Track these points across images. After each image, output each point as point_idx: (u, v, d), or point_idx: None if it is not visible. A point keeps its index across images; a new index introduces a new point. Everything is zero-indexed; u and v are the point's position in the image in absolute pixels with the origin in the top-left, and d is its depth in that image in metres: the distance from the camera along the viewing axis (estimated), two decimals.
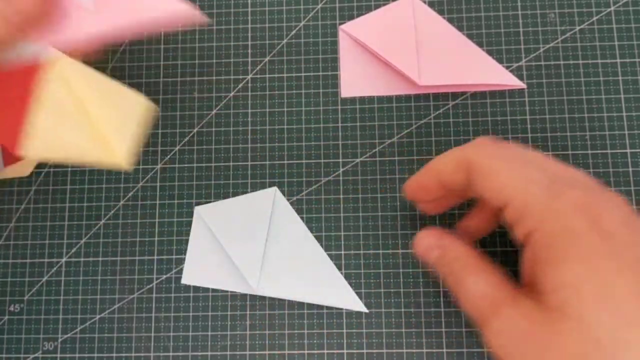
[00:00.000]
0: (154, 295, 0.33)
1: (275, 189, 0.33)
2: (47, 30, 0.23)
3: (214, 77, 0.35)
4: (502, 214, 0.23)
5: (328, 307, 0.32)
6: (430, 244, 0.26)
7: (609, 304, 0.19)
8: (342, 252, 0.32)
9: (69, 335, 0.32)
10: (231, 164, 0.34)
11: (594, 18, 0.34)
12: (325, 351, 0.31)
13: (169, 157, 0.34)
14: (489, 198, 0.23)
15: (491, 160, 0.23)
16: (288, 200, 0.33)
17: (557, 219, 0.20)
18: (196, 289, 0.32)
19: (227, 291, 0.32)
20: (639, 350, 0.18)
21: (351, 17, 0.35)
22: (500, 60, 0.34)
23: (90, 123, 0.25)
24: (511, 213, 0.22)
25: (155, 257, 0.33)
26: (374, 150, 0.33)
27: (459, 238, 0.26)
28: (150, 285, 0.33)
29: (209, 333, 0.32)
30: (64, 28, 0.24)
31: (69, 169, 0.34)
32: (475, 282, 0.23)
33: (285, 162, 0.33)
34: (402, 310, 0.31)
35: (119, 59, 0.35)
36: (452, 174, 0.25)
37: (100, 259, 0.33)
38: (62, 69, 0.25)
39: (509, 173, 0.22)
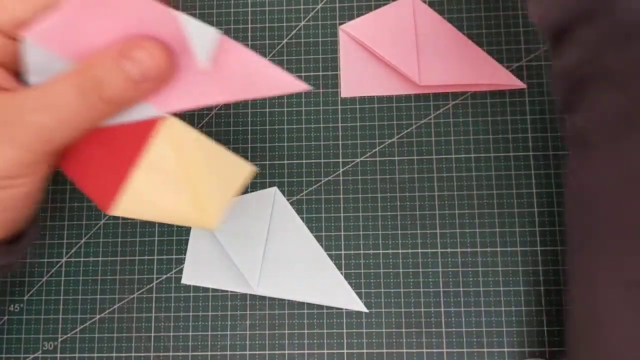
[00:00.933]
0: (154, 295, 0.33)
1: (275, 189, 0.33)
2: (162, 90, 0.23)
3: None
4: None
5: (328, 307, 0.32)
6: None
7: None
8: (342, 252, 0.32)
9: (69, 335, 0.32)
10: None
11: None
12: (325, 351, 0.31)
13: None
14: None
15: None
16: (288, 200, 0.33)
17: None
18: (196, 289, 0.32)
19: (227, 291, 0.32)
20: None
21: (351, 17, 0.35)
22: (500, 60, 0.34)
23: (190, 186, 0.25)
24: None
25: (155, 257, 0.33)
26: (374, 150, 0.33)
27: None
28: (150, 285, 0.33)
29: (209, 333, 0.32)
30: (177, 88, 0.23)
31: None
32: None
33: (285, 162, 0.33)
34: (402, 310, 0.31)
35: None
36: None
37: (100, 259, 0.33)
38: (171, 130, 0.24)
39: None
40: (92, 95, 0.21)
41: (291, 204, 0.33)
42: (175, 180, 0.25)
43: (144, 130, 0.24)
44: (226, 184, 0.25)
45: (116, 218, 0.33)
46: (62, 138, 0.21)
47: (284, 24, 0.35)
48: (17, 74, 0.23)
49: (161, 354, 0.32)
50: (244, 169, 0.25)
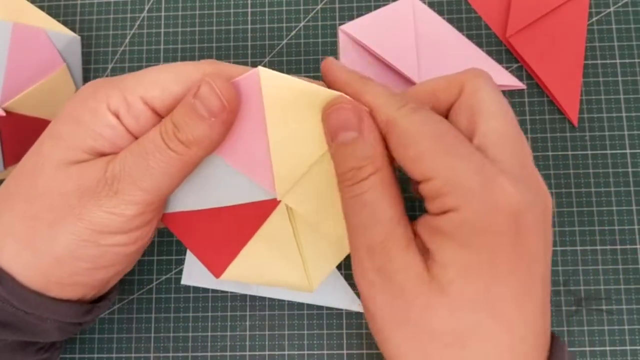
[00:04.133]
0: (154, 295, 0.33)
1: None
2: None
3: None
4: (420, 185, 0.21)
5: (328, 307, 0.32)
6: (349, 120, 0.21)
7: (488, 300, 0.19)
8: None
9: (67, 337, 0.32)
10: None
11: (594, 18, 0.34)
12: (325, 351, 0.31)
13: None
14: (407, 168, 0.21)
15: (415, 128, 0.20)
16: None
17: (482, 208, 0.19)
18: (196, 289, 0.32)
19: (227, 291, 0.32)
20: (491, 348, 0.19)
21: (351, 17, 0.35)
22: (500, 61, 0.34)
23: (297, 254, 0.26)
24: (432, 188, 0.20)
25: (155, 258, 0.33)
26: None
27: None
28: (150, 286, 0.33)
29: (209, 333, 0.32)
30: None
31: None
32: (381, 201, 0.21)
33: None
34: None
35: (119, 60, 0.35)
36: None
37: None
38: (285, 208, 0.26)
39: (433, 148, 0.20)
40: (171, 138, 0.22)
41: None
42: (286, 250, 0.26)
43: (261, 210, 0.26)
44: (331, 252, 0.27)
45: None
46: (152, 188, 0.22)
47: (284, 25, 0.35)
48: None
49: (161, 354, 0.32)
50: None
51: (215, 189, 0.25)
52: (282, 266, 0.27)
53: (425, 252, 0.20)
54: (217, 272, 0.27)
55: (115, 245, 0.23)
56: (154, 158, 0.22)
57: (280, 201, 0.25)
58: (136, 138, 0.23)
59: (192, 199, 0.26)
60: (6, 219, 0.23)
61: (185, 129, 0.22)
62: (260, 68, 0.22)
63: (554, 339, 0.21)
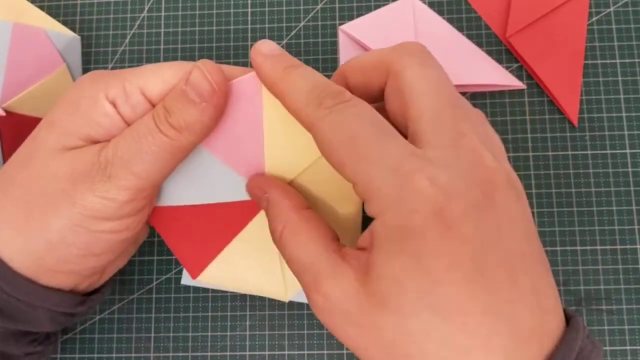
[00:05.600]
0: (153, 295, 0.33)
1: None
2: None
3: None
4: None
5: None
6: (259, 187, 0.24)
7: (430, 302, 0.18)
8: None
9: (69, 335, 0.32)
10: None
11: (594, 18, 0.34)
12: (325, 351, 0.31)
13: None
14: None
15: (333, 135, 0.20)
16: None
17: (401, 212, 0.19)
18: (196, 289, 0.32)
19: (227, 291, 0.32)
20: (449, 350, 0.18)
21: (351, 17, 0.35)
22: (500, 61, 0.34)
23: (277, 259, 0.26)
24: (359, 193, 0.20)
25: (155, 257, 0.33)
26: None
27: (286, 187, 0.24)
28: (150, 286, 0.33)
29: (209, 333, 0.32)
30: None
31: None
32: (297, 250, 0.21)
33: None
34: None
35: (119, 59, 0.35)
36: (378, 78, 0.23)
37: None
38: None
39: (350, 153, 0.19)
40: (162, 122, 0.22)
41: None
42: (265, 256, 0.26)
43: (246, 210, 0.26)
44: None
45: None
46: (146, 173, 0.22)
47: (284, 24, 0.35)
48: None
49: (161, 354, 0.32)
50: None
51: (204, 185, 0.25)
52: (259, 272, 0.27)
53: (362, 266, 0.20)
54: (194, 273, 0.26)
55: (107, 231, 0.23)
56: (146, 141, 0.22)
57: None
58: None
59: (179, 194, 0.26)
60: (1, 205, 0.23)
61: (176, 114, 0.22)
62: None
63: (572, 318, 0.19)
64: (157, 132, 0.22)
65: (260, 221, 0.26)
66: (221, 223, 0.26)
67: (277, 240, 0.22)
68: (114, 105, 0.23)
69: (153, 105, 0.23)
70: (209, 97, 0.22)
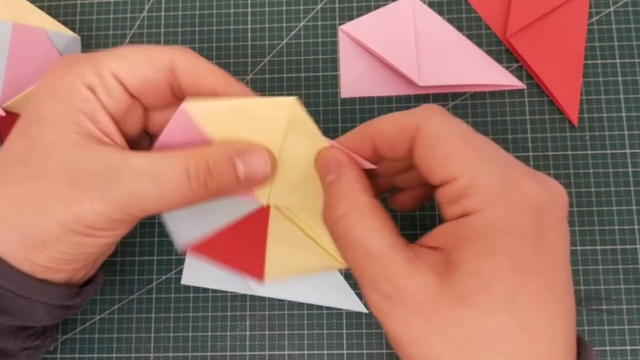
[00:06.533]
0: (154, 295, 0.33)
1: None
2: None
3: None
4: (439, 189, 0.21)
5: (328, 308, 0.32)
6: (329, 166, 0.23)
7: (513, 305, 0.19)
8: None
9: (69, 335, 0.32)
10: None
11: (594, 18, 0.34)
12: (325, 351, 0.31)
13: None
14: (432, 169, 0.21)
15: (443, 129, 0.21)
16: None
17: (506, 210, 0.19)
18: (196, 289, 0.32)
19: (227, 291, 0.32)
20: (515, 356, 0.18)
21: (351, 17, 0.35)
22: (500, 61, 0.34)
23: (312, 241, 0.28)
24: (454, 189, 0.20)
25: (155, 257, 0.33)
26: None
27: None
28: (150, 286, 0.33)
29: (209, 333, 0.32)
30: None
31: None
32: (363, 237, 0.20)
33: None
34: None
35: None
36: (393, 139, 0.22)
37: None
38: (278, 209, 0.28)
39: (462, 148, 0.20)
40: (198, 182, 0.22)
41: None
42: (299, 240, 0.28)
43: (261, 216, 0.28)
44: None
45: None
46: (153, 209, 0.23)
47: (284, 25, 0.35)
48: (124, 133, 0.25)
49: (161, 354, 0.32)
50: None
51: (214, 212, 0.28)
52: (307, 257, 0.28)
53: (439, 264, 0.20)
54: (260, 279, 0.29)
55: (101, 236, 0.23)
56: (169, 191, 0.22)
57: (269, 206, 0.27)
58: (111, 115, 0.23)
59: (200, 226, 0.29)
60: None
61: (217, 180, 0.23)
62: (184, 103, 0.23)
63: (579, 339, 0.21)
64: (187, 187, 0.22)
65: (277, 222, 0.28)
66: (248, 233, 0.28)
67: (338, 219, 0.21)
68: (92, 90, 0.23)
69: (126, 89, 0.23)
70: (256, 181, 0.23)
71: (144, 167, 0.22)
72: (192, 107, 0.23)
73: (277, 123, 0.23)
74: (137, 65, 0.23)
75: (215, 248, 0.29)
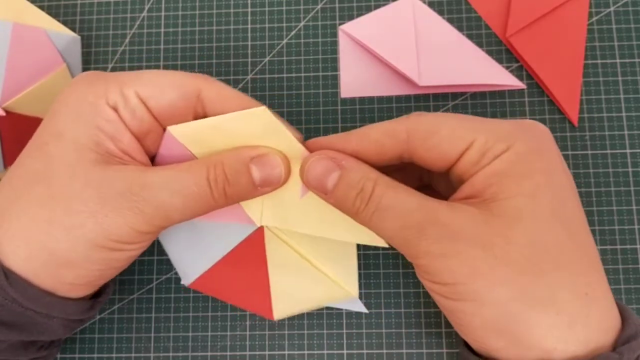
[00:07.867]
0: (154, 295, 0.33)
1: None
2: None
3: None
4: (456, 164, 0.22)
5: (328, 307, 0.32)
6: (327, 166, 0.23)
7: (561, 217, 0.20)
8: None
9: (69, 335, 0.32)
10: None
11: (594, 18, 0.34)
12: (325, 351, 0.31)
13: None
14: (444, 152, 0.22)
15: (436, 119, 0.23)
16: None
17: (529, 138, 0.22)
18: None
19: None
20: (567, 270, 0.20)
21: (351, 17, 0.35)
22: (500, 61, 0.34)
23: (316, 269, 0.28)
24: (475, 151, 0.22)
25: (155, 257, 0.33)
26: None
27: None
28: (150, 286, 0.33)
29: (209, 333, 0.32)
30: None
31: None
32: (398, 197, 0.21)
33: None
34: (402, 310, 0.31)
35: (119, 59, 0.35)
36: (381, 142, 0.23)
37: None
38: (273, 230, 0.28)
39: (461, 121, 0.22)
40: (219, 189, 0.23)
41: None
42: (302, 269, 0.28)
43: (256, 241, 0.28)
44: (344, 255, 0.28)
45: None
46: (179, 219, 0.24)
47: (284, 24, 0.35)
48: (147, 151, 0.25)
49: (161, 354, 0.32)
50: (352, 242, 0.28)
51: (211, 244, 0.28)
52: (314, 286, 0.28)
53: (476, 204, 0.21)
54: (269, 315, 0.29)
55: (127, 250, 0.24)
56: (193, 200, 0.23)
57: (263, 227, 0.28)
58: (133, 133, 0.24)
59: (200, 262, 0.29)
60: (20, 223, 0.23)
61: (236, 187, 0.23)
62: (168, 127, 0.24)
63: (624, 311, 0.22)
64: (210, 196, 0.23)
65: (274, 246, 0.28)
66: (247, 261, 0.28)
67: (368, 196, 0.22)
68: (115, 110, 0.23)
69: (149, 110, 0.24)
70: (272, 185, 0.24)
71: (168, 180, 0.23)
72: (174, 130, 0.24)
73: (253, 134, 0.24)
74: (166, 92, 0.24)
75: (219, 281, 0.29)
